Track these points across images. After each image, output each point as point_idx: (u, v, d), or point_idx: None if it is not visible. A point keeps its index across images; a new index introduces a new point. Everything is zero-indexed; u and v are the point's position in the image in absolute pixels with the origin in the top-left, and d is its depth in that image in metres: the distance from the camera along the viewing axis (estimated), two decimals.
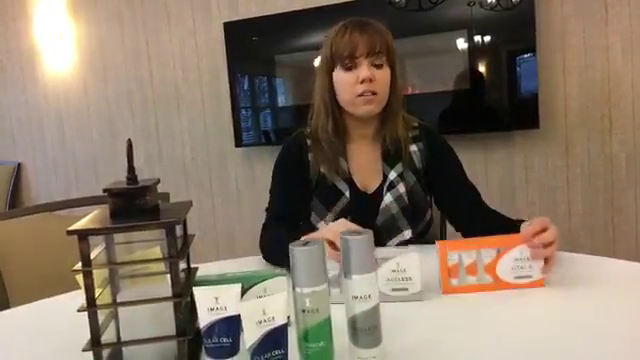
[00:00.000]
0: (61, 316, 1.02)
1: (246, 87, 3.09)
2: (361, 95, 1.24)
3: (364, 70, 1.23)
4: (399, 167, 1.31)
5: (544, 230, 0.98)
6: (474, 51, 2.54)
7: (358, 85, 1.24)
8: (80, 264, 0.71)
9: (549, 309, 0.90)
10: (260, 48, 2.99)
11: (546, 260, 0.98)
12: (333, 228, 1.07)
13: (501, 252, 0.98)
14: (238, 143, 3.07)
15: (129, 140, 0.77)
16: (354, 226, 1.04)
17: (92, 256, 0.73)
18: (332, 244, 1.01)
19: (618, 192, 2.44)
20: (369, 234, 0.75)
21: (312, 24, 2.82)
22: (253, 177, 3.13)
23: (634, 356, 0.72)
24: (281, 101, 3.04)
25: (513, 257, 0.98)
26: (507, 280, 0.98)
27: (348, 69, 1.25)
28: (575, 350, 0.74)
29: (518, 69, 2.49)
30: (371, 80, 1.23)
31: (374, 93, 1.24)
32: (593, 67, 2.41)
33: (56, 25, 3.44)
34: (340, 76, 1.26)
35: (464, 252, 0.99)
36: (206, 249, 3.23)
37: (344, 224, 1.09)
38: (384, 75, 1.26)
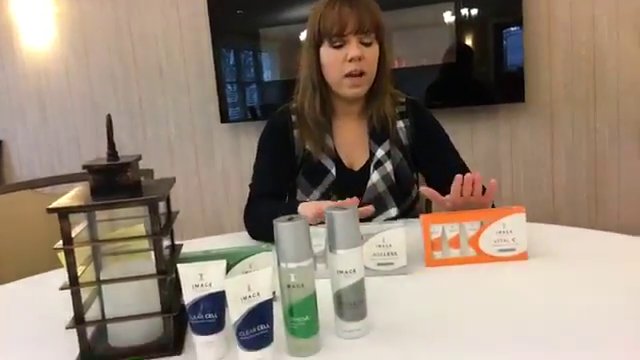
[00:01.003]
0: (46, 293, 1.01)
1: (231, 62, 3.04)
2: (348, 75, 1.22)
3: (353, 48, 1.20)
4: (386, 145, 1.31)
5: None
6: (461, 24, 2.52)
7: (346, 63, 1.21)
8: (61, 242, 0.70)
9: (531, 281, 0.92)
10: (245, 22, 2.93)
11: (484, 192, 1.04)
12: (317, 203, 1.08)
13: (484, 225, 0.99)
14: (224, 119, 3.04)
15: (108, 115, 0.75)
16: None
17: (74, 234, 0.73)
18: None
19: (601, 165, 2.46)
20: (353, 208, 0.75)
21: None
22: (239, 153, 3.11)
23: (612, 323, 0.73)
24: (267, 76, 2.99)
25: (496, 230, 0.98)
26: (490, 253, 0.99)
27: (336, 46, 1.22)
28: (557, 320, 0.76)
29: (505, 42, 2.48)
30: (360, 59, 1.21)
31: (362, 73, 1.22)
32: (579, 41, 2.41)
33: (34, 0, 3.34)
34: (328, 53, 1.24)
35: (447, 225, 0.99)
36: (193, 226, 3.22)
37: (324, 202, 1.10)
38: (373, 53, 1.24)
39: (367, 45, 1.22)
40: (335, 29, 1.20)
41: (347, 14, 1.19)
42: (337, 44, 1.22)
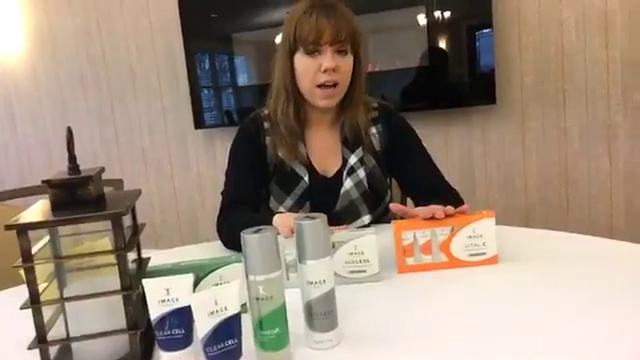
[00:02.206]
0: (7, 312, 0.98)
1: (205, 66, 3.01)
2: (321, 86, 1.21)
3: (327, 59, 1.19)
4: (359, 151, 1.30)
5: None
6: (433, 27, 2.54)
7: (320, 73, 1.20)
8: (20, 260, 0.68)
9: (502, 285, 0.92)
10: (218, 25, 2.91)
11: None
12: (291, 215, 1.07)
13: (455, 230, 0.99)
14: (198, 125, 3.01)
15: (69, 128, 0.73)
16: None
17: (35, 250, 0.70)
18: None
19: (572, 165, 2.51)
20: (323, 218, 0.75)
21: (271, 0, 2.75)
22: (215, 159, 3.08)
23: (580, 323, 0.74)
24: (242, 80, 2.97)
25: (466, 235, 0.99)
26: (461, 258, 0.99)
27: (311, 54, 1.20)
28: (528, 323, 0.76)
29: (477, 44, 2.51)
30: (334, 70, 1.19)
31: (335, 84, 1.21)
32: (547, 42, 2.45)
33: (1, 5, 3.26)
34: (302, 61, 1.22)
35: (419, 231, 0.99)
36: (169, 234, 3.18)
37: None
38: (347, 64, 1.23)
39: (342, 55, 1.21)
40: (311, 37, 1.18)
41: (325, 23, 1.18)
42: (312, 52, 1.20)
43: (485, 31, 2.48)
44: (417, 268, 0.99)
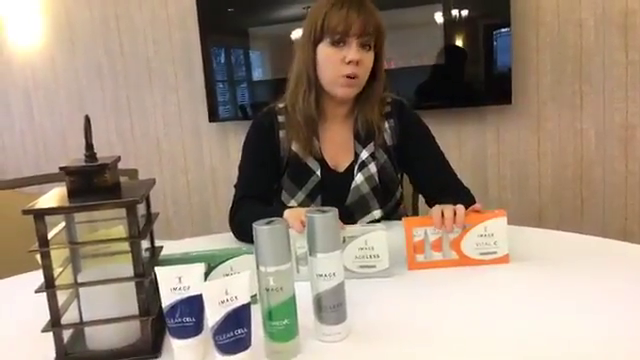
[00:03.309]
0: (24, 296, 1.00)
1: (221, 60, 3.02)
2: (344, 76, 1.22)
3: (353, 51, 1.20)
4: (371, 146, 1.30)
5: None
6: (450, 25, 2.52)
7: (344, 65, 1.21)
8: (37, 244, 0.69)
9: (512, 284, 0.92)
10: (235, 20, 2.92)
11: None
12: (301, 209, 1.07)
13: (466, 228, 0.99)
14: (212, 118, 3.02)
15: (86, 116, 0.74)
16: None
17: (52, 235, 0.72)
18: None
19: (587, 167, 2.48)
20: (334, 212, 0.75)
21: None
22: (228, 153, 3.10)
23: (592, 324, 0.74)
24: (257, 75, 2.98)
25: (477, 233, 0.99)
26: (472, 256, 0.99)
27: (336, 45, 1.21)
28: (536, 324, 0.76)
29: (495, 44, 2.49)
30: (357, 63, 1.21)
31: (356, 76, 1.22)
32: (565, 43, 2.42)
33: None
34: (326, 51, 1.23)
35: (429, 228, 0.99)
36: (181, 225, 3.20)
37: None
38: (369, 58, 1.24)
39: (366, 50, 1.23)
40: (340, 28, 1.20)
41: (354, 16, 1.20)
42: (337, 43, 1.21)
43: (503, 30, 2.45)
44: (427, 265, 0.99)
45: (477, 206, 1.03)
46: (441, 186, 1.28)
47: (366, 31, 1.20)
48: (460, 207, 1.00)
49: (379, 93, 1.30)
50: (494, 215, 0.99)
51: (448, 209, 0.99)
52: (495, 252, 0.99)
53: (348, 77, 1.22)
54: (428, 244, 1.00)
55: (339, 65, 1.22)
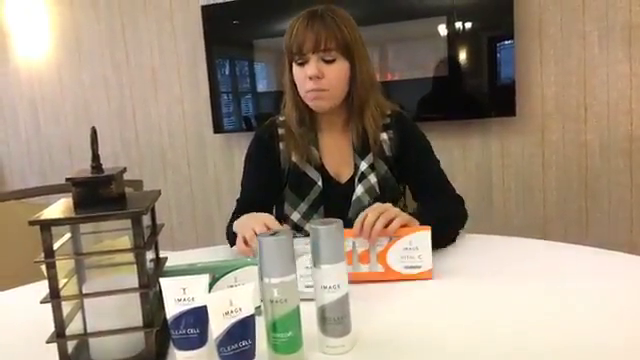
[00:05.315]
0: (28, 306, 1.00)
1: (226, 72, 3.04)
2: (309, 91, 1.24)
3: (311, 67, 1.21)
4: (369, 158, 1.30)
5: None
6: (453, 37, 2.54)
7: (307, 81, 1.22)
8: (43, 255, 0.70)
9: (514, 297, 0.91)
10: (240, 32, 2.94)
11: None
12: (249, 223, 1.06)
13: (392, 241, 0.99)
14: (217, 129, 3.04)
15: (93, 128, 0.75)
16: (269, 221, 1.05)
17: (57, 246, 0.72)
18: (245, 241, 1.03)
19: (592, 179, 2.48)
20: (338, 224, 0.75)
21: (293, 7, 2.77)
22: (232, 164, 3.11)
23: (595, 337, 0.73)
24: (262, 86, 3.00)
25: (402, 246, 0.99)
26: (397, 269, 0.99)
27: (300, 64, 1.23)
28: (539, 338, 0.76)
29: (498, 55, 2.50)
30: (319, 77, 1.21)
31: (322, 89, 1.23)
32: (569, 55, 2.43)
33: (28, 7, 3.34)
34: (295, 70, 1.26)
35: (357, 240, 0.99)
36: (185, 236, 3.20)
37: (260, 219, 1.07)
38: (335, 71, 1.22)
39: (329, 62, 1.22)
40: (295, 47, 1.22)
41: (304, 33, 1.20)
42: (300, 61, 1.23)
43: (506, 42, 2.47)
44: (354, 277, 0.94)
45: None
46: (431, 195, 1.29)
47: (319, 46, 1.20)
48: (396, 220, 1.00)
49: (365, 100, 1.28)
50: (418, 229, 1.00)
51: (373, 212, 1.00)
52: (419, 266, 0.98)
53: (314, 91, 1.23)
54: (356, 255, 0.99)
55: (304, 82, 1.24)
